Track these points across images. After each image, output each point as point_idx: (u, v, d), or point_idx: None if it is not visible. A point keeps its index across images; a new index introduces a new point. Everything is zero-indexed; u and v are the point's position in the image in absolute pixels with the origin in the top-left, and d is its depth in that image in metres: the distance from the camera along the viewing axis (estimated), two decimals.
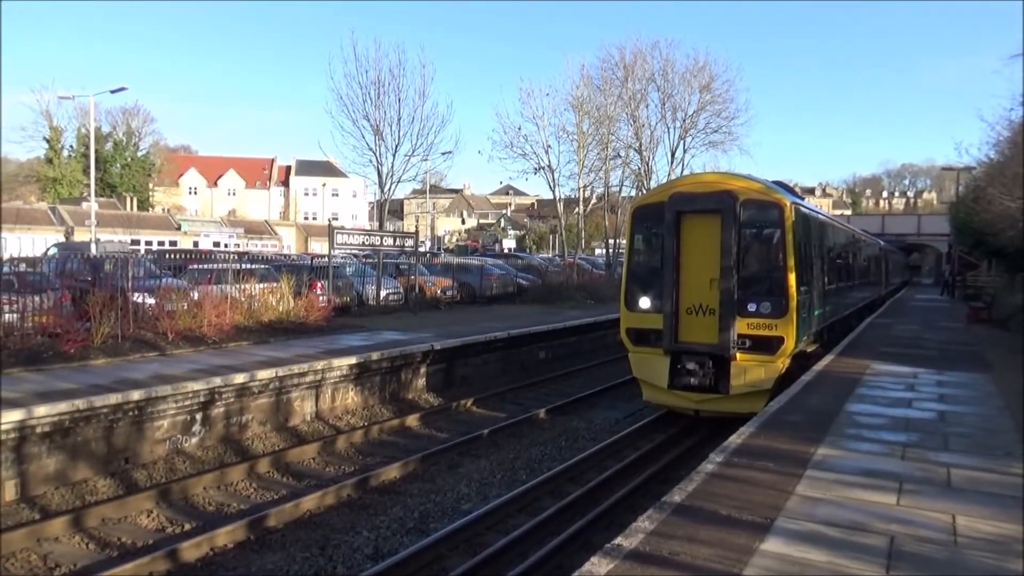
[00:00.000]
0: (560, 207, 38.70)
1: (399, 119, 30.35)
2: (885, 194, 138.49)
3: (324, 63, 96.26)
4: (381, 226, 34.20)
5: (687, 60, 38.73)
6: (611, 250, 40.21)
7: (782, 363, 11.44)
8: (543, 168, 35.11)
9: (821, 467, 6.65)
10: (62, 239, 46.10)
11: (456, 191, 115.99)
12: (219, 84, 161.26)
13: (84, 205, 51.17)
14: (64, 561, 7.28)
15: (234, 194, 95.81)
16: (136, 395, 9.65)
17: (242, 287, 16.18)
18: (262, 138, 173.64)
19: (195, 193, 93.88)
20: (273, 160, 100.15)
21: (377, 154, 30.50)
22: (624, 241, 17.17)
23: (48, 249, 31.61)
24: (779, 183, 15.22)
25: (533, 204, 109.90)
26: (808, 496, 5.84)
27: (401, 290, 23.03)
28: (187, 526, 8.21)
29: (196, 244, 53.49)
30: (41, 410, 8.62)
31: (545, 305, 25.65)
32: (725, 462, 6.78)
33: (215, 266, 16.83)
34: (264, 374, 11.50)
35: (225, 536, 7.67)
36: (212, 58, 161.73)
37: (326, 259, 21.26)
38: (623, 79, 37.20)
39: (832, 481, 6.22)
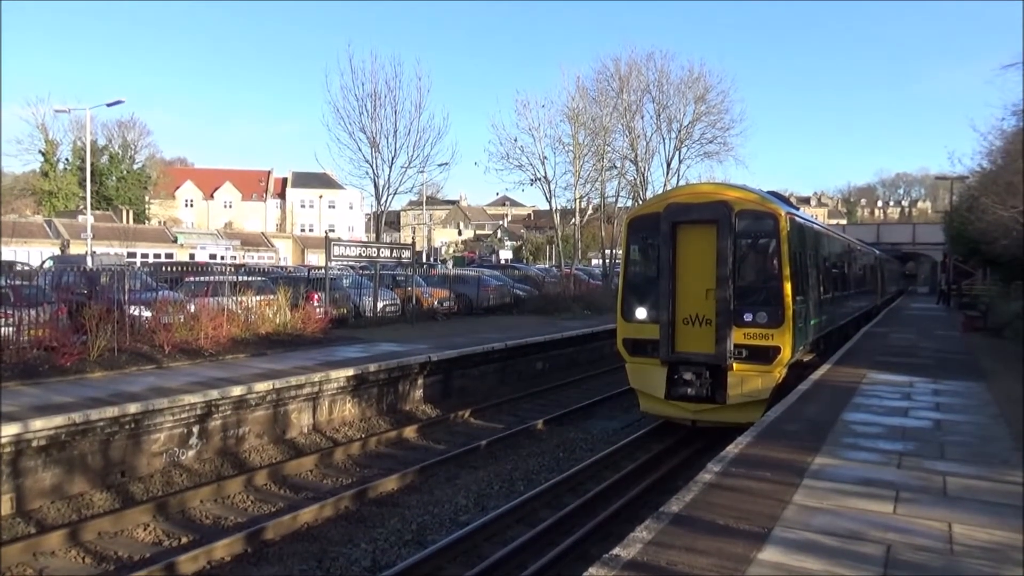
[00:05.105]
0: (556, 218, 38.80)
1: (395, 131, 30.50)
2: (880, 203, 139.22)
3: (321, 76, 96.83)
4: (378, 238, 34.24)
5: (682, 71, 38.97)
6: (607, 260, 40.28)
7: (779, 373, 11.46)
8: (539, 179, 35.23)
9: (818, 476, 6.66)
10: (58, 252, 46.08)
11: (453, 202, 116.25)
12: (215, 97, 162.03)
13: (80, 218, 51.15)
14: (60, 575, 7.25)
15: (230, 206, 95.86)
16: (133, 408, 9.63)
17: (239, 299, 16.19)
18: (258, 150, 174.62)
19: (191, 205, 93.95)
20: (269, 172, 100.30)
21: (374, 166, 30.62)
22: (620, 252, 17.21)
23: (44, 262, 31.55)
24: (774, 193, 15.32)
25: (530, 215, 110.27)
26: (805, 505, 5.85)
27: (398, 302, 23.05)
28: (184, 539, 8.19)
29: (192, 257, 53.43)
30: (37, 424, 8.60)
31: (542, 316, 25.68)
32: (723, 472, 6.79)
33: (212, 278, 16.83)
34: (261, 386, 11.49)
35: (223, 549, 7.66)
36: (209, 71, 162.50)
37: (323, 271, 21.29)
38: (618, 90, 37.39)
39: (829, 490, 6.24)
